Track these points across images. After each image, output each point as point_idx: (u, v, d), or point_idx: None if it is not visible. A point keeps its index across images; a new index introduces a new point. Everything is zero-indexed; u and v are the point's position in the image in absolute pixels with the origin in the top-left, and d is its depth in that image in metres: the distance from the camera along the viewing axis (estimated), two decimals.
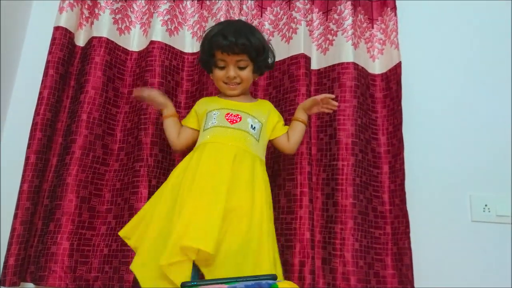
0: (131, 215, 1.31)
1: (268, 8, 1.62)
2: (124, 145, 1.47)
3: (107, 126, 1.46)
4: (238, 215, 1.06)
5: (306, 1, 1.55)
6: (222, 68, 1.22)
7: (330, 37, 1.56)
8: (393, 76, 1.52)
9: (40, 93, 1.42)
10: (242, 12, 1.57)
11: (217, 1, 1.54)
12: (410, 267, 1.34)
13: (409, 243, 1.35)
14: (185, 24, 1.59)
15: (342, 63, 1.48)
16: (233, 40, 1.16)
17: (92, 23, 1.53)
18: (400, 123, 1.46)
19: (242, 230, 1.05)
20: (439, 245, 1.44)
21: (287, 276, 1.28)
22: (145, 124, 1.40)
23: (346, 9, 1.53)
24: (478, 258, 1.42)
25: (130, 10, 1.60)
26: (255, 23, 1.58)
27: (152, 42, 1.48)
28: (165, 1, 1.54)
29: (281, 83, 1.50)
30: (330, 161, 1.43)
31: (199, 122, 1.26)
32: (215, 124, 1.19)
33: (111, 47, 1.51)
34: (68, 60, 1.51)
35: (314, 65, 1.55)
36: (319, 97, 1.21)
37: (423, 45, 1.64)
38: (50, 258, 1.28)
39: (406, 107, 1.46)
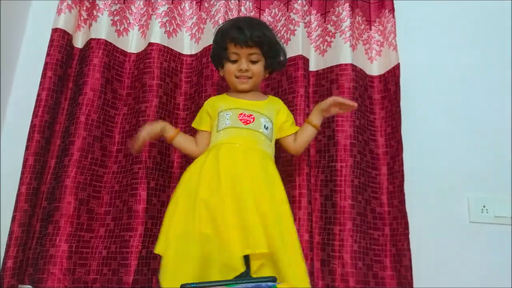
0: (130, 217, 1.32)
1: (266, 10, 1.62)
2: (123, 147, 1.47)
3: (106, 128, 1.46)
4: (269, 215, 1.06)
5: (304, 3, 1.55)
6: (234, 61, 1.22)
7: (328, 38, 1.56)
8: (392, 77, 1.53)
9: (38, 95, 1.42)
10: (240, 14, 1.57)
11: (216, 2, 1.54)
12: (409, 268, 1.34)
13: (408, 244, 1.36)
14: (184, 26, 1.59)
15: (340, 65, 1.49)
16: (247, 32, 1.17)
17: (90, 25, 1.53)
18: (399, 125, 1.46)
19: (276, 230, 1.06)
20: (438, 246, 1.44)
21: None
22: (143, 126, 1.40)
23: (344, 11, 1.53)
24: (477, 259, 1.42)
25: (129, 12, 1.60)
26: None
27: (150, 44, 1.48)
28: (164, 3, 1.54)
29: (279, 84, 1.51)
30: (328, 162, 1.43)
31: (212, 122, 1.24)
32: (229, 125, 1.18)
33: (110, 49, 1.51)
34: (66, 62, 1.50)
35: (313, 67, 1.55)
36: (342, 100, 1.19)
37: (422, 46, 1.64)
38: (49, 260, 1.28)
39: (404, 108, 1.47)
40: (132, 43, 1.58)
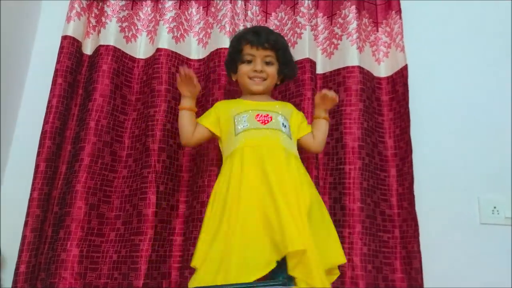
0: (139, 221, 1.33)
1: (273, 14, 1.63)
2: (132, 152, 1.48)
3: (115, 133, 1.48)
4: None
5: (311, 6, 1.55)
6: (249, 62, 1.24)
7: (335, 41, 1.56)
8: (399, 79, 1.52)
9: (49, 101, 1.44)
10: (247, 18, 1.58)
11: (222, 7, 1.55)
12: (419, 270, 1.34)
13: (418, 246, 1.35)
14: (191, 31, 1.60)
15: (348, 67, 1.49)
16: (264, 35, 1.22)
17: (99, 31, 1.55)
18: (408, 126, 1.45)
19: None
20: (448, 248, 1.43)
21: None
22: (152, 130, 1.41)
23: (351, 13, 1.53)
24: (488, 260, 1.41)
25: (137, 18, 1.62)
26: None
27: (158, 50, 1.50)
28: (171, 9, 1.55)
29: (286, 87, 1.51)
30: (337, 165, 1.43)
31: (220, 125, 1.23)
32: (247, 127, 1.17)
33: (118, 55, 1.52)
34: (76, 69, 1.52)
35: (320, 70, 1.56)
36: (324, 92, 1.23)
37: (429, 47, 1.63)
38: (60, 265, 1.29)
39: (413, 109, 1.46)
40: (141, 49, 1.59)
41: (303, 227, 1.01)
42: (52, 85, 1.46)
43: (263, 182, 1.07)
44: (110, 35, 1.53)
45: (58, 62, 1.48)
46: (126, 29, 1.58)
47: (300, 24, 1.53)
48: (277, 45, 1.23)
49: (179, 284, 1.34)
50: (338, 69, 1.51)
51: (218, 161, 1.36)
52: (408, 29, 1.56)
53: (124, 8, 1.59)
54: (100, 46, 1.51)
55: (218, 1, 1.57)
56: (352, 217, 1.34)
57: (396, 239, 1.42)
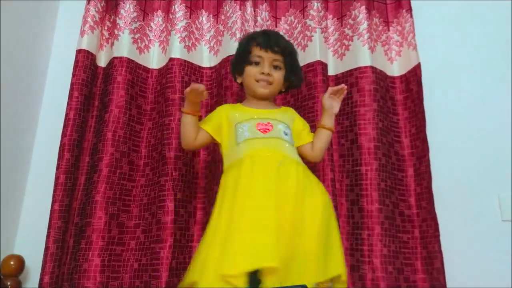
0: (159, 229, 1.34)
1: (282, 18, 1.63)
2: (149, 161, 1.50)
3: (132, 143, 1.50)
4: (296, 223, 1.02)
5: (320, 8, 1.55)
6: (257, 64, 1.21)
7: (346, 42, 1.56)
8: (413, 77, 1.51)
9: (66, 114, 1.47)
10: (257, 24, 1.59)
11: (232, 14, 1.56)
12: (441, 270, 1.32)
13: (439, 246, 1.33)
14: (202, 40, 1.62)
15: (360, 68, 1.48)
16: (274, 38, 1.21)
17: (112, 44, 1.58)
18: (424, 125, 1.44)
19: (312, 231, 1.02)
20: (470, 246, 1.41)
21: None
22: (168, 139, 1.43)
23: (361, 14, 1.53)
24: (510, 257, 1.38)
25: (148, 29, 1.64)
26: None
27: (171, 59, 1.52)
28: (182, 18, 1.57)
29: (298, 90, 1.51)
30: (353, 166, 1.42)
31: (221, 132, 1.20)
32: (248, 137, 1.15)
33: (132, 66, 1.55)
34: (91, 81, 1.55)
35: (331, 71, 1.55)
36: (331, 89, 1.21)
37: (442, 44, 1.62)
38: (83, 274, 1.32)
39: (428, 107, 1.45)
40: (154, 59, 1.62)
41: (284, 244, 0.98)
42: (68, 98, 1.49)
43: (265, 192, 1.03)
44: (124, 47, 1.55)
45: (73, 75, 1.51)
46: (139, 40, 1.60)
47: (310, 27, 1.53)
48: (286, 50, 1.22)
49: None
50: (350, 70, 1.51)
51: None
52: (419, 27, 1.55)
53: (136, 20, 1.61)
54: (114, 58, 1.54)
55: (227, 9, 1.59)
56: (371, 219, 1.33)
57: (416, 239, 1.41)
